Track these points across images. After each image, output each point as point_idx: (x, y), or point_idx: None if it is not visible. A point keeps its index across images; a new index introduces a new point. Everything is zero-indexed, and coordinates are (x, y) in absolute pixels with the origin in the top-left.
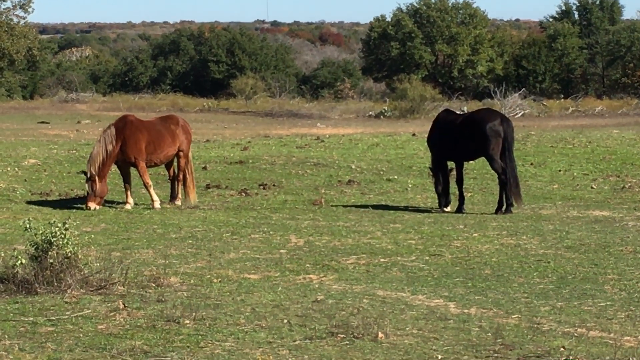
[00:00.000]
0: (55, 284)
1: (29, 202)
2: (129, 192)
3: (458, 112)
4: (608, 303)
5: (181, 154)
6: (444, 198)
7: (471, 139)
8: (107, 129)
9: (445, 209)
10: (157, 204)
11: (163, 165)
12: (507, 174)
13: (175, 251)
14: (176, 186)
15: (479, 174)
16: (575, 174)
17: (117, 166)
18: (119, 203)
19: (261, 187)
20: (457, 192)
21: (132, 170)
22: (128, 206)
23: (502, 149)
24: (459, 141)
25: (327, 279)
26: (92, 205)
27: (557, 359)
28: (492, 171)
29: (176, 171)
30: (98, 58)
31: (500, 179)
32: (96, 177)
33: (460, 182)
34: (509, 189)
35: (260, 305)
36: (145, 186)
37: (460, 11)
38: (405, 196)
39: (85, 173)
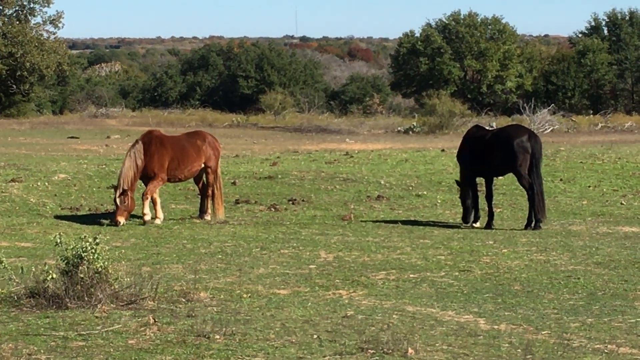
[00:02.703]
0: (86, 298)
1: (59, 217)
2: (157, 207)
3: (487, 128)
4: (638, 319)
5: (209, 170)
6: (471, 212)
7: (499, 154)
8: (135, 144)
9: (474, 224)
10: (147, 217)
11: (193, 181)
12: (535, 189)
13: (205, 266)
14: (205, 201)
15: (508, 189)
16: (604, 189)
17: (142, 181)
18: (138, 218)
19: (290, 202)
20: (487, 208)
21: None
22: (157, 221)
23: (530, 165)
24: (487, 157)
25: (356, 294)
26: (122, 219)
27: None
28: (522, 187)
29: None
30: (127, 73)
31: (529, 194)
32: (129, 192)
33: (489, 197)
34: (536, 205)
35: (290, 321)
36: (144, 196)
37: (489, 27)
38: (434, 212)
39: (115, 188)
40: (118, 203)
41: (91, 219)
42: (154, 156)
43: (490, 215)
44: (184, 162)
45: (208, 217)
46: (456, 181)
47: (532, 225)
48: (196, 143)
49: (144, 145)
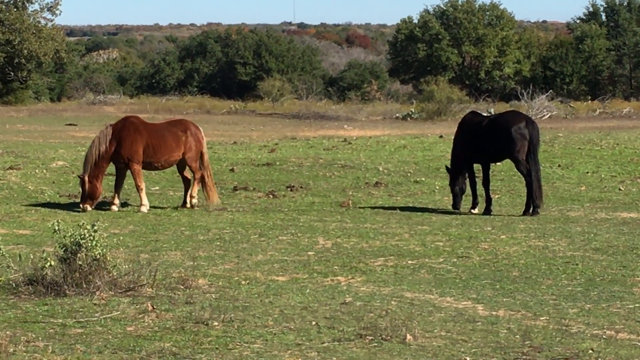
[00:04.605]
0: (84, 285)
1: (58, 204)
2: (117, 194)
3: (484, 114)
4: (636, 305)
5: (188, 159)
6: (461, 199)
7: (497, 141)
8: (103, 130)
9: (473, 210)
10: (144, 209)
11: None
12: (532, 175)
13: (203, 253)
14: (202, 189)
15: (506, 175)
16: (602, 175)
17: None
18: (132, 205)
19: (289, 189)
20: (484, 194)
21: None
22: (144, 209)
23: (527, 151)
24: (484, 143)
25: (355, 280)
26: (84, 206)
27: None
28: (520, 173)
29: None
30: (125, 60)
31: (527, 180)
32: (86, 178)
33: (486, 183)
34: (534, 191)
35: (289, 307)
36: (137, 189)
37: (487, 13)
38: (432, 198)
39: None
40: (81, 189)
41: None
42: (124, 142)
43: (488, 201)
44: (160, 150)
45: (212, 203)
46: (446, 167)
47: (530, 211)
48: (176, 133)
49: (113, 131)
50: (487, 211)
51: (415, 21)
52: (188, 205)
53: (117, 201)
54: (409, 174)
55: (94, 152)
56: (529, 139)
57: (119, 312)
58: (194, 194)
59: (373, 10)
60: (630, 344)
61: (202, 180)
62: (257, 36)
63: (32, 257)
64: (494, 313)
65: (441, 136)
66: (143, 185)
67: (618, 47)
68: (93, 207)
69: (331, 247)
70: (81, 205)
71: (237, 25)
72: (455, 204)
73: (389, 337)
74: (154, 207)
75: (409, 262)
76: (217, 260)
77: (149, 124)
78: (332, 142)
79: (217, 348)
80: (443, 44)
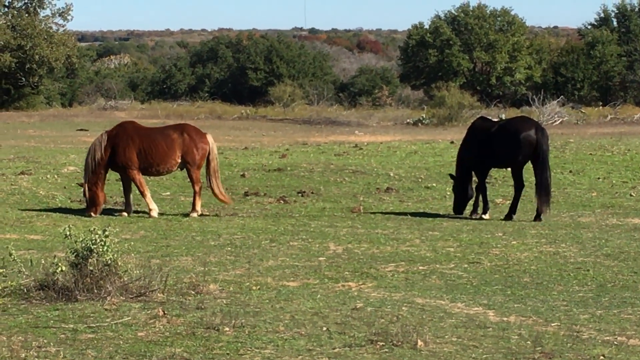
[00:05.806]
0: (95, 291)
1: (69, 209)
2: (129, 199)
3: (494, 120)
4: None
5: (188, 165)
6: (466, 204)
7: (505, 147)
8: (99, 137)
9: (484, 216)
10: (154, 213)
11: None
12: (522, 189)
13: (214, 258)
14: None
15: None
16: (614, 181)
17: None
18: (144, 212)
19: (299, 194)
20: (480, 198)
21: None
22: (153, 213)
23: (537, 158)
24: (493, 149)
25: (366, 286)
26: (89, 213)
27: None
28: (531, 179)
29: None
30: (136, 65)
31: (516, 188)
32: (85, 186)
33: (481, 188)
34: (514, 200)
35: (300, 313)
36: (142, 195)
37: (499, 18)
38: (443, 204)
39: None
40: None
41: (100, 212)
42: (118, 149)
43: (476, 206)
44: (151, 155)
45: (154, 214)
46: (450, 175)
47: (506, 215)
48: (170, 136)
49: (108, 137)
50: (474, 213)
51: (427, 27)
52: (194, 215)
53: (128, 207)
54: (420, 180)
55: (89, 160)
56: (538, 146)
57: (130, 318)
58: (198, 208)
59: (384, 16)
60: None
61: (212, 189)
62: (268, 41)
63: (43, 262)
64: (505, 319)
65: (452, 142)
66: (147, 191)
67: (629, 52)
68: (98, 213)
69: (342, 253)
70: (86, 213)
71: (248, 31)
72: (458, 209)
73: (400, 343)
74: (162, 214)
75: (420, 267)
76: (228, 265)
77: (142, 129)
78: (343, 147)
79: (228, 353)
80: (454, 50)
